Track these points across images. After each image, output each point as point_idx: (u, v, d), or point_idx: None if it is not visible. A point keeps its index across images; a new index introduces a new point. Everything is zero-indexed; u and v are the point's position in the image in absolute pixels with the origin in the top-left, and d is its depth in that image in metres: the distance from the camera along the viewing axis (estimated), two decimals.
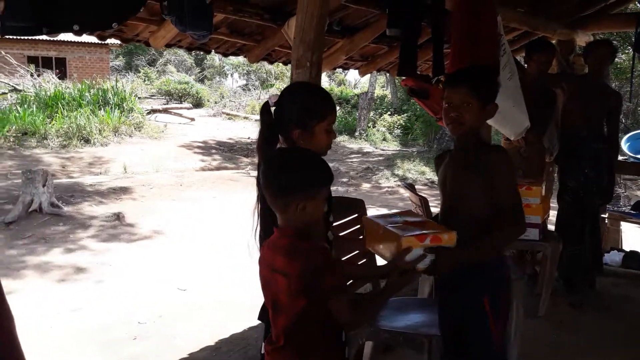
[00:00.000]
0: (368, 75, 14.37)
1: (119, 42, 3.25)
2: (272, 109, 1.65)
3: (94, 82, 14.06)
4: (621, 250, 4.71)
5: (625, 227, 5.16)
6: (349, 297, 1.33)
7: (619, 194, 5.72)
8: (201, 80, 23.65)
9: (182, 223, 6.38)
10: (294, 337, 1.34)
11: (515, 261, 3.71)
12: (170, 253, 5.30)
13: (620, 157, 5.02)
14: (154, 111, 15.31)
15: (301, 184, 1.35)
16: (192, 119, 15.66)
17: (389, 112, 16.81)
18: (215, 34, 3.13)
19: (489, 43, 3.15)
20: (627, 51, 11.63)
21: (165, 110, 15.85)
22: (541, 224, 3.33)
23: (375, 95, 17.58)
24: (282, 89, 1.76)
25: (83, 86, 13.34)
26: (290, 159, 1.41)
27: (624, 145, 5.24)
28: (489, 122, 3.48)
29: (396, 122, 16.07)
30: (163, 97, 18.65)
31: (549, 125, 3.86)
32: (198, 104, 19.18)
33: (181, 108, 16.59)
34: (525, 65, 3.78)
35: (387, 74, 4.18)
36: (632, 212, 4.89)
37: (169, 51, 21.33)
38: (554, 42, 4.40)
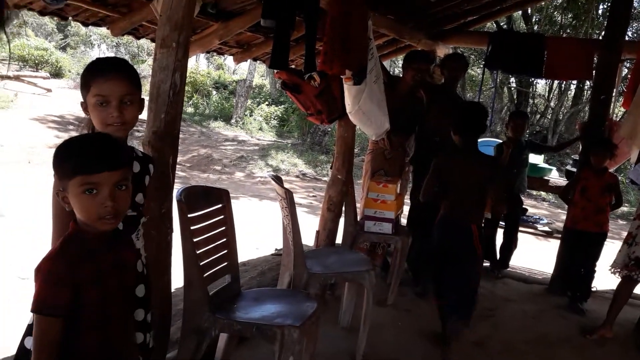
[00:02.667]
0: (247, 63, 14.20)
1: None
2: None
3: None
4: None
5: None
6: (55, 322, 1.17)
7: None
8: (63, 49, 21.45)
9: (26, 205, 5.74)
10: None
11: (368, 253, 3.94)
12: (10, 238, 4.75)
13: None
14: (2, 78, 13.56)
15: (55, 171, 1.24)
16: (49, 90, 14.17)
17: (266, 102, 16.79)
18: (73, 1, 2.85)
19: (359, 45, 3.29)
20: (481, 65, 12.90)
21: (17, 78, 14.14)
22: (394, 219, 3.58)
23: (254, 83, 17.43)
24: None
25: None
26: (62, 145, 1.25)
27: None
28: (354, 121, 3.66)
29: (273, 112, 16.11)
30: (15, 63, 16.58)
31: (415, 131, 4.16)
32: (57, 73, 17.39)
33: (36, 77, 14.91)
34: (403, 71, 4.03)
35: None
36: None
37: (25, 12, 18.98)
38: None
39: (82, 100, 1.54)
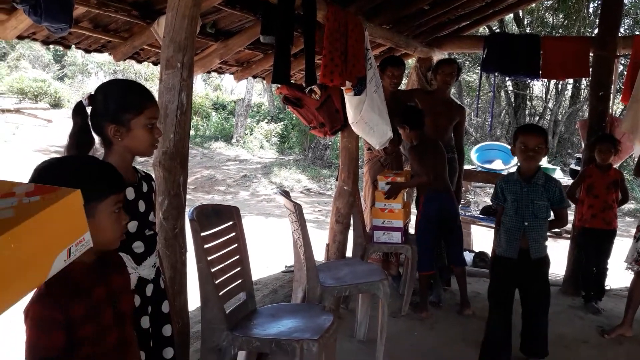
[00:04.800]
0: (245, 82, 14.30)
1: None
2: (88, 109, 1.52)
3: None
4: (472, 251, 5.23)
5: (475, 230, 5.75)
6: None
7: (469, 200, 6.34)
8: (61, 79, 21.64)
9: None
10: None
11: (381, 263, 3.93)
12: None
13: (470, 167, 5.60)
14: (3, 111, 13.67)
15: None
16: (50, 121, 14.27)
17: (266, 120, 16.88)
18: (75, 28, 2.88)
19: (357, 56, 3.32)
20: (477, 71, 12.98)
21: (18, 111, 14.25)
22: (403, 228, 3.57)
23: (253, 102, 17.54)
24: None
25: None
26: (60, 165, 1.21)
27: (474, 155, 5.84)
28: (357, 132, 3.68)
29: (273, 129, 16.18)
30: (15, 96, 16.72)
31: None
32: (57, 104, 17.51)
33: (36, 109, 15.03)
34: (381, 80, 4.05)
35: (264, 82, 4.21)
36: (480, 216, 5.45)
37: (22, 44, 19.19)
38: (414, 59, 4.78)
39: (114, 125, 1.50)
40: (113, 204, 1.21)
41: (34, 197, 0.92)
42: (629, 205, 10.04)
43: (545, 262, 2.82)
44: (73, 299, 1.14)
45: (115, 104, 1.52)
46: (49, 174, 1.14)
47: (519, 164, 2.80)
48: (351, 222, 3.79)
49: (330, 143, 13.17)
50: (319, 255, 4.04)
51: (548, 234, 5.26)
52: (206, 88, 22.14)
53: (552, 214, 2.78)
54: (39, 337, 1.10)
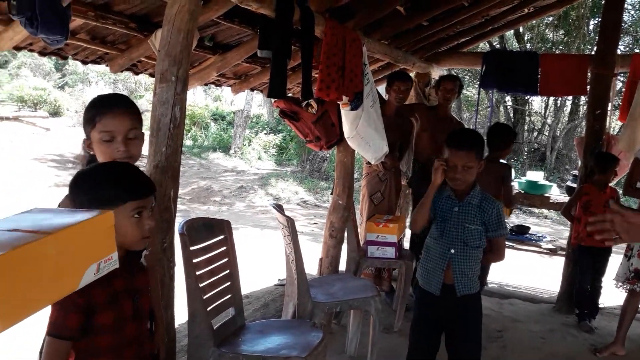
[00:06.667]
0: (244, 93, 14.34)
1: None
2: None
3: None
4: None
5: None
6: (63, 345, 1.22)
7: None
8: (61, 87, 21.68)
9: None
10: None
11: (373, 279, 3.90)
12: None
13: None
14: (1, 119, 13.69)
15: (89, 203, 1.24)
16: (48, 129, 14.29)
17: (264, 131, 16.89)
18: (72, 40, 2.89)
19: (354, 71, 3.33)
20: (476, 85, 13.03)
21: (16, 118, 14.27)
22: (397, 243, 3.55)
23: (252, 113, 17.57)
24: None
25: None
26: (83, 175, 1.31)
27: None
28: (353, 146, 3.68)
29: (272, 141, 16.19)
30: (14, 104, 16.74)
31: (406, 151, 4.18)
32: (56, 112, 17.50)
33: (35, 117, 15.06)
34: (387, 94, 4.05)
35: (263, 94, 4.21)
36: None
37: (24, 53, 19.25)
38: (412, 74, 4.80)
39: (85, 137, 1.57)
40: (131, 209, 1.28)
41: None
42: None
43: (475, 302, 2.24)
44: (94, 286, 1.17)
45: (83, 116, 1.55)
46: (82, 179, 1.29)
47: None
48: (345, 235, 3.78)
49: (328, 155, 13.17)
50: (312, 269, 4.02)
51: (543, 248, 5.27)
52: (206, 99, 22.21)
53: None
54: (57, 316, 1.21)
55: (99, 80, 21.88)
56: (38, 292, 0.92)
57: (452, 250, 2.17)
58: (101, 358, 1.28)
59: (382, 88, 4.33)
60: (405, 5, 3.94)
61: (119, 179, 1.30)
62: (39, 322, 1.20)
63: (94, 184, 1.28)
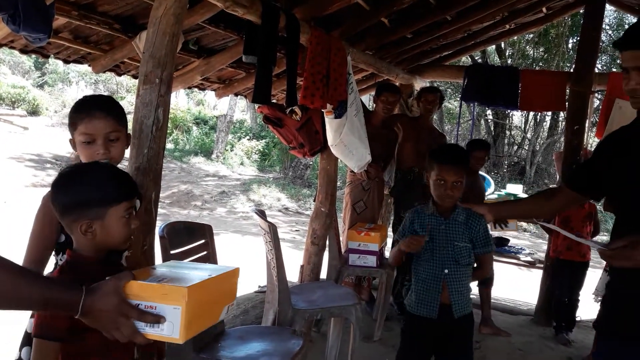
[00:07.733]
0: (228, 98, 14.30)
1: None
2: None
3: None
4: None
5: None
6: (51, 346, 1.20)
7: None
8: (40, 86, 21.32)
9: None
10: None
11: (354, 287, 3.90)
12: None
13: None
14: None
15: (77, 202, 1.23)
16: (26, 128, 14.02)
17: (247, 137, 16.84)
18: (55, 38, 2.85)
19: (339, 80, 3.35)
20: (458, 98, 13.21)
21: None
22: (379, 252, 3.56)
23: (235, 118, 17.50)
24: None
25: None
26: (70, 174, 1.28)
27: None
28: (336, 154, 3.69)
29: (254, 147, 16.15)
30: None
31: (390, 161, 4.21)
32: (34, 111, 17.21)
33: (13, 115, 14.77)
34: (374, 104, 4.08)
35: (247, 99, 4.21)
36: None
37: (3, 50, 18.93)
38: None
39: (71, 138, 1.59)
40: (124, 210, 1.28)
41: None
42: (601, 237, 10.20)
43: (470, 322, 2.22)
44: None
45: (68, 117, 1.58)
46: (68, 179, 1.27)
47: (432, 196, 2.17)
48: (327, 243, 3.77)
49: (311, 163, 13.18)
50: (293, 276, 4.00)
51: (522, 260, 5.34)
52: (189, 102, 22.06)
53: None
54: (44, 317, 1.19)
55: (80, 80, 21.59)
56: (207, 317, 1.22)
57: (446, 271, 2.10)
58: (90, 359, 1.27)
59: (366, 98, 4.36)
60: (390, 18, 3.99)
61: (115, 179, 1.30)
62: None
63: (87, 182, 1.26)
